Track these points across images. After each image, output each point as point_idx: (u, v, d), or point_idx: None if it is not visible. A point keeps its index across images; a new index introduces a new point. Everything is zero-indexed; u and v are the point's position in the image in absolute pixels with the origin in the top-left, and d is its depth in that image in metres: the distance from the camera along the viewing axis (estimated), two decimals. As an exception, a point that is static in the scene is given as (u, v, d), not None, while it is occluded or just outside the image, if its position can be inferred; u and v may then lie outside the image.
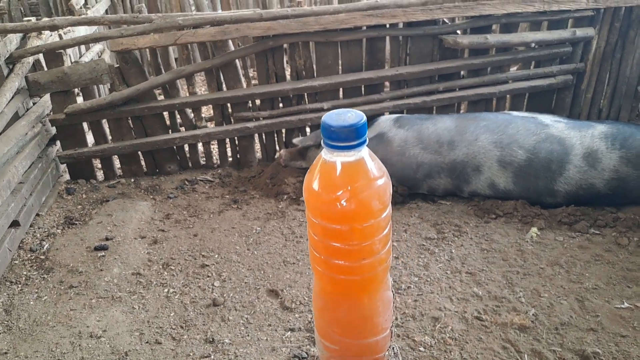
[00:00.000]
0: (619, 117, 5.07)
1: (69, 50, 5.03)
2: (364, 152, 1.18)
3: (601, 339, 2.63)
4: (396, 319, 2.80)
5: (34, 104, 4.30)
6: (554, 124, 3.80)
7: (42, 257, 3.38)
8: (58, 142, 4.39)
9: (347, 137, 1.15)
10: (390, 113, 4.57)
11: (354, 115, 1.17)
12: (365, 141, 1.17)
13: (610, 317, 2.77)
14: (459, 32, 4.53)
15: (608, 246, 3.37)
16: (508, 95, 4.84)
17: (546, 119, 3.89)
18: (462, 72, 4.71)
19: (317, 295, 1.34)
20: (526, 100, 4.94)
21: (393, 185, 3.99)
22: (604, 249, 3.34)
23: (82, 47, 5.48)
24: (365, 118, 1.17)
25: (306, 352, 2.57)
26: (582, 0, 4.46)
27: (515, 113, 4.05)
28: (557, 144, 3.70)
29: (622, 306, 2.84)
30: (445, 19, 4.49)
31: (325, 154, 1.19)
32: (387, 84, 4.78)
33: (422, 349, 2.60)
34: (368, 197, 1.16)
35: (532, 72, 4.75)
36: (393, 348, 1.44)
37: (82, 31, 5.23)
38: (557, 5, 4.42)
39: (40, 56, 4.29)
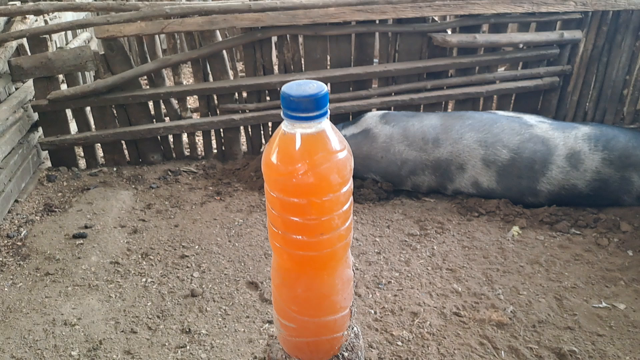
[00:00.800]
0: (604, 120, 5.09)
1: (55, 37, 4.98)
2: (325, 124, 1.16)
3: (578, 338, 2.63)
4: (375, 312, 2.79)
5: (16, 89, 4.26)
6: (539, 125, 3.81)
7: (19, 243, 3.35)
8: (40, 129, 4.34)
9: (307, 108, 1.12)
10: (378, 109, 4.55)
11: (315, 86, 1.15)
12: (326, 113, 1.15)
13: (587, 316, 2.78)
14: (448, 30, 4.52)
15: (588, 246, 3.37)
16: (495, 95, 4.84)
17: (531, 119, 3.89)
18: (450, 71, 4.70)
19: (275, 272, 1.32)
20: (513, 100, 4.94)
21: (377, 182, 4.01)
22: (584, 249, 3.35)
23: (69, 34, 5.43)
24: (326, 89, 1.15)
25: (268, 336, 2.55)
26: (571, 3, 4.46)
27: (500, 113, 4.06)
28: (541, 144, 3.70)
29: (600, 306, 2.85)
30: (434, 17, 4.49)
31: (285, 126, 1.17)
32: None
33: (399, 343, 2.59)
34: (327, 171, 1.14)
35: (520, 72, 4.75)
36: (354, 329, 1.42)
37: (69, 17, 5.19)
38: (545, 7, 4.42)
39: (24, 41, 4.24)
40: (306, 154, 1.13)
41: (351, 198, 1.24)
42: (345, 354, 1.38)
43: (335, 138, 1.17)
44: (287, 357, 1.38)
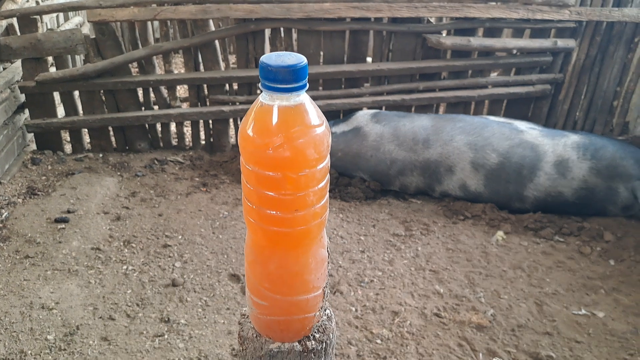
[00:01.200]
0: (593, 130, 5.10)
1: (47, 19, 4.93)
2: (304, 97, 1.15)
3: (556, 343, 2.64)
4: (356, 310, 2.78)
5: (3, 68, 4.21)
6: (529, 131, 3.81)
7: (0, 225, 3.30)
8: (27, 110, 4.29)
9: (285, 79, 1.11)
10: (369, 108, 4.54)
11: (294, 58, 1.14)
12: (305, 85, 1.14)
13: (566, 323, 2.79)
14: (443, 32, 4.51)
15: (571, 254, 3.39)
16: (487, 100, 4.85)
17: (521, 125, 3.90)
18: (443, 73, 4.70)
19: (249, 248, 1.31)
20: (504, 106, 4.95)
21: (365, 180, 4.00)
22: (567, 256, 3.36)
23: (61, 17, 5.38)
24: (305, 61, 1.14)
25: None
26: (566, 12, 4.47)
27: (492, 118, 4.06)
28: (530, 150, 3.71)
29: (580, 313, 2.86)
30: (430, 18, 4.48)
31: (263, 97, 1.15)
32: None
33: (379, 341, 2.59)
34: (304, 145, 1.13)
35: (512, 79, 4.76)
36: (326, 310, 1.42)
37: None
38: (540, 14, 4.42)
39: (14, 20, 4.19)
40: (283, 126, 1.11)
41: (327, 176, 1.23)
42: (317, 335, 1.37)
43: (314, 112, 1.16)
44: (258, 336, 1.38)
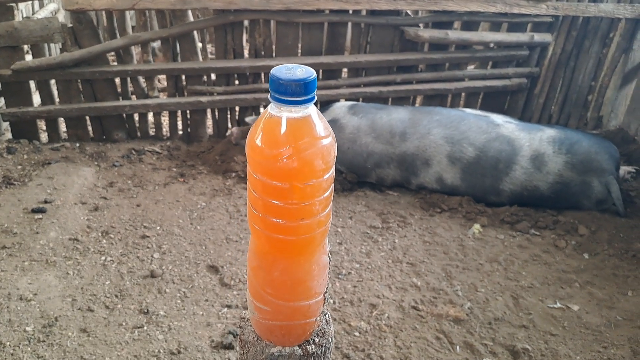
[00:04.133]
0: (568, 124, 5.17)
1: (22, 6, 4.86)
2: (312, 109, 1.17)
3: (532, 336, 2.69)
4: (334, 302, 2.81)
5: (-21, 56, 4.14)
6: (505, 125, 3.85)
7: (-24, 215, 3.27)
8: (2, 99, 4.23)
9: (295, 92, 1.13)
10: (346, 100, 4.55)
11: (304, 70, 1.16)
12: (313, 98, 1.16)
13: (542, 316, 2.83)
14: (420, 25, 4.53)
15: (546, 247, 3.44)
16: (463, 93, 4.88)
17: (498, 118, 3.93)
18: (420, 66, 4.72)
19: (252, 254, 1.32)
20: (480, 99, 4.99)
21: (342, 172, 4.02)
22: (542, 249, 3.41)
23: (36, 4, 5.30)
24: (315, 74, 1.16)
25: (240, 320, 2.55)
26: (542, 6, 4.51)
27: (468, 110, 4.09)
28: (507, 144, 3.75)
29: (555, 306, 2.91)
30: (408, 11, 4.49)
31: (271, 109, 1.17)
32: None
33: (357, 333, 2.61)
34: (311, 156, 1.15)
35: (489, 72, 4.80)
36: (325, 314, 1.44)
37: (37, -13, 5.06)
38: (518, 8, 4.46)
39: (-10, 8, 4.13)
40: (291, 138, 1.13)
41: (332, 186, 1.25)
42: (317, 340, 1.39)
43: (321, 124, 1.18)
44: (259, 340, 1.39)
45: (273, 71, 1.15)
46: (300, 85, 1.12)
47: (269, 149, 1.14)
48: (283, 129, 1.14)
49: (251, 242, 1.34)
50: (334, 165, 1.22)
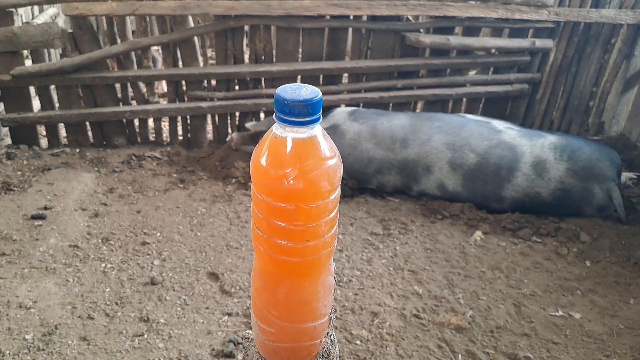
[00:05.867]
0: (569, 130, 5.16)
1: (21, 11, 4.85)
2: (317, 130, 1.15)
3: (534, 345, 2.67)
4: (335, 311, 2.79)
5: (-22, 62, 4.13)
6: (507, 131, 3.84)
7: (-24, 221, 3.25)
8: (1, 104, 4.22)
9: (301, 113, 1.11)
10: (347, 105, 4.54)
11: (309, 91, 1.14)
12: (319, 118, 1.14)
13: (544, 324, 2.81)
14: (421, 30, 4.53)
15: (548, 255, 3.42)
16: (464, 99, 4.88)
17: (499, 125, 3.92)
18: (421, 72, 4.71)
19: (256, 275, 1.30)
20: (482, 105, 4.98)
21: (343, 179, 4.00)
22: (544, 257, 3.39)
23: (36, 9, 5.29)
24: (320, 94, 1.14)
25: (242, 338, 2.54)
26: (544, 12, 4.51)
27: (470, 116, 4.08)
28: (508, 150, 3.73)
29: (557, 314, 2.89)
30: (409, 17, 4.49)
31: (276, 129, 1.15)
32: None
33: (358, 342, 2.59)
34: (317, 177, 1.13)
35: (490, 77, 4.79)
36: (330, 335, 1.42)
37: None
38: (519, 14, 4.46)
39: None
40: (297, 158, 1.11)
41: (338, 206, 1.23)
42: None
43: (327, 144, 1.16)
44: (263, 361, 1.37)
45: (278, 91, 1.13)
46: (305, 105, 1.10)
47: (274, 169, 1.12)
48: (288, 149, 1.12)
49: (255, 263, 1.31)
50: (339, 186, 1.20)
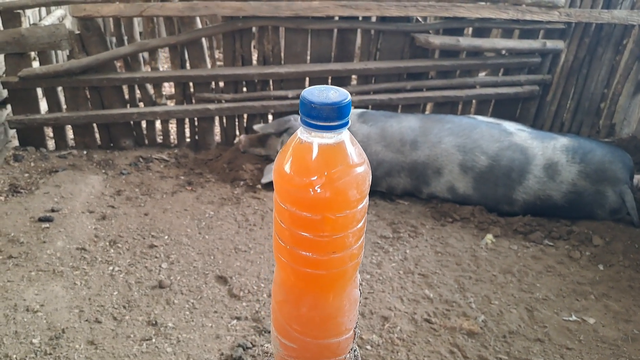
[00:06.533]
0: (580, 132, 5.12)
1: (29, 13, 4.83)
2: (345, 135, 1.08)
3: (547, 350, 2.62)
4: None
5: (-15, 64, 4.12)
6: (518, 133, 3.80)
7: (-18, 223, 3.23)
8: (9, 106, 4.20)
9: (329, 117, 1.03)
10: (356, 107, 4.51)
11: (337, 93, 1.07)
12: (347, 123, 1.07)
13: (557, 329, 2.77)
14: (431, 31, 4.49)
15: (560, 258, 3.38)
16: (474, 100, 4.84)
17: (510, 126, 3.88)
18: (430, 73, 4.68)
19: (278, 287, 1.24)
20: (492, 106, 4.94)
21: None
22: (557, 260, 3.35)
23: (43, 10, 5.28)
24: (349, 97, 1.07)
25: (251, 343, 2.50)
26: (555, 13, 4.47)
27: (480, 118, 4.04)
28: (520, 152, 3.70)
29: (570, 319, 2.85)
30: (418, 18, 4.45)
31: (301, 134, 1.08)
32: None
33: (369, 347, 2.56)
34: (345, 185, 1.05)
35: (500, 79, 4.76)
36: (354, 350, 1.36)
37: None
38: (530, 15, 4.42)
39: (-3, 14, 4.10)
40: (324, 165, 1.04)
41: (366, 215, 1.16)
42: None
43: (355, 150, 1.09)
44: (285, 378, 1.31)
45: (304, 93, 1.06)
46: (334, 109, 1.03)
47: (298, 177, 1.05)
48: (314, 155, 1.05)
49: (276, 274, 1.25)
50: (368, 194, 1.13)
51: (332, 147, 1.06)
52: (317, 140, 1.06)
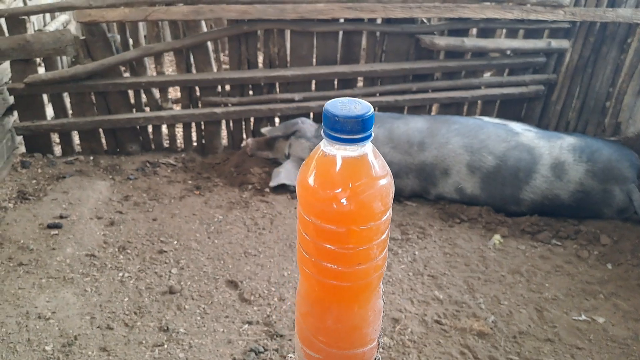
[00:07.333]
0: (586, 131, 5.11)
1: (33, 19, 4.84)
2: (368, 147, 1.09)
3: (558, 350, 2.63)
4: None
5: (-9, 70, 4.13)
6: (525, 133, 3.80)
7: (-8, 230, 3.24)
8: (15, 113, 4.21)
9: (353, 130, 1.04)
10: (361, 109, 4.50)
11: (360, 106, 1.07)
12: (370, 135, 1.08)
13: (567, 329, 2.78)
14: (436, 33, 4.49)
15: (569, 258, 3.38)
16: (479, 101, 4.84)
17: (517, 127, 3.89)
18: (436, 74, 4.68)
19: (302, 299, 1.24)
20: (497, 107, 4.94)
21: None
22: (565, 260, 3.36)
23: (47, 16, 5.29)
24: (372, 110, 1.08)
25: (263, 347, 2.51)
26: (560, 12, 4.46)
27: (486, 119, 4.04)
28: (527, 152, 3.70)
29: (580, 318, 2.86)
30: (423, 19, 4.45)
31: (324, 146, 1.08)
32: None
33: (380, 349, 2.55)
34: (370, 198, 1.06)
35: (505, 79, 4.75)
36: (377, 359, 1.37)
37: (49, -1, 5.05)
38: (535, 14, 4.41)
39: (2, 21, 4.10)
40: (348, 178, 1.05)
41: (389, 226, 1.17)
42: None
43: (378, 163, 1.10)
44: (310, 388, 1.31)
45: (328, 106, 1.06)
46: (358, 122, 1.04)
47: (322, 190, 1.05)
48: (338, 168, 1.06)
49: (300, 286, 1.25)
50: (391, 206, 1.14)
51: (355, 160, 1.07)
52: (340, 152, 1.06)
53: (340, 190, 1.05)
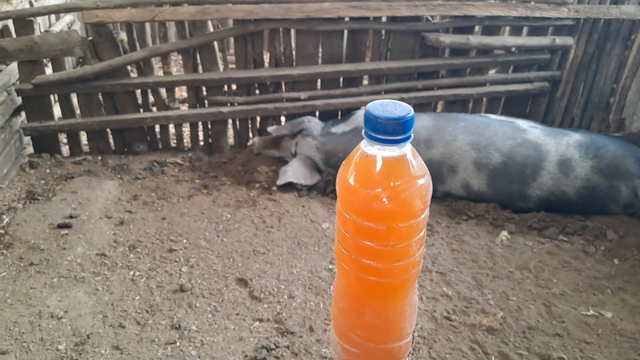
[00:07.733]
0: (590, 127, 5.13)
1: (40, 20, 4.87)
2: (407, 148, 1.11)
3: (567, 345, 2.65)
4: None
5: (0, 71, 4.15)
6: (531, 129, 3.82)
7: (2, 231, 3.25)
8: (23, 113, 4.23)
9: (394, 131, 1.07)
10: (367, 107, 4.52)
11: (400, 108, 1.10)
12: (410, 137, 1.10)
13: (576, 324, 2.79)
14: (441, 30, 4.51)
15: (576, 253, 3.40)
16: (485, 98, 4.85)
17: (523, 123, 3.90)
18: (441, 72, 4.69)
19: (340, 295, 1.26)
20: (502, 104, 4.95)
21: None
22: (572, 256, 3.37)
23: (52, 16, 5.31)
24: (412, 112, 1.11)
25: (274, 344, 2.53)
26: (564, 9, 4.48)
27: (492, 116, 4.06)
28: (533, 149, 3.72)
29: (588, 313, 2.87)
30: (428, 17, 4.47)
31: (365, 147, 1.11)
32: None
33: (414, 343, 2.58)
34: (410, 197, 1.08)
35: (510, 76, 4.77)
36: (412, 354, 1.40)
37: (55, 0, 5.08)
38: (539, 12, 4.43)
39: (9, 22, 4.12)
40: (388, 178, 1.08)
41: (427, 223, 1.20)
42: None
43: (416, 162, 1.13)
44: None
45: (369, 108, 1.09)
46: (399, 124, 1.07)
47: (363, 189, 1.08)
48: (378, 168, 1.08)
49: (337, 281, 1.27)
50: (429, 204, 1.17)
51: (395, 160, 1.10)
52: (381, 153, 1.09)
53: (380, 189, 1.08)
